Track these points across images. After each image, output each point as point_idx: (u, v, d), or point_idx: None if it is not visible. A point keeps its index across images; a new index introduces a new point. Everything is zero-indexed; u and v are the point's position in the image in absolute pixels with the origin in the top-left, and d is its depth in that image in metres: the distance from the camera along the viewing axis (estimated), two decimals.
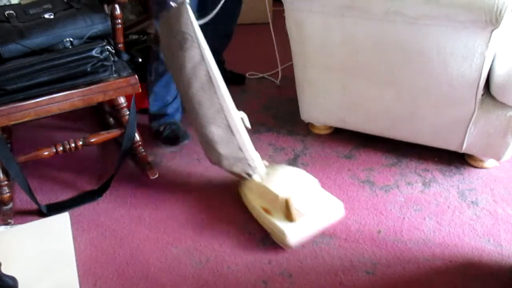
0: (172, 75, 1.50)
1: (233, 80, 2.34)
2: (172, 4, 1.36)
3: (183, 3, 1.32)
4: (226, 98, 1.42)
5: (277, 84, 2.42)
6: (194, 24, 1.32)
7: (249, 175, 1.52)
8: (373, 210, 1.57)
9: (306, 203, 1.44)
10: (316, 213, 1.45)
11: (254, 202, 1.51)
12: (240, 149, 1.46)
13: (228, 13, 1.88)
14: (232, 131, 1.43)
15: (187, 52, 1.34)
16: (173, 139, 1.89)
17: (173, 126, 1.92)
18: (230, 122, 1.42)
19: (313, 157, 1.85)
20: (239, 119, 1.46)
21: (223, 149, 1.46)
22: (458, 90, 1.51)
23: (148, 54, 1.86)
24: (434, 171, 1.74)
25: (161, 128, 1.92)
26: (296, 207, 1.40)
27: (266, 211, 1.46)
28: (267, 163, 1.60)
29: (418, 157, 1.80)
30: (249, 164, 1.49)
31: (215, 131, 1.43)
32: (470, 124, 1.59)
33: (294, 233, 1.39)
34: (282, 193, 1.43)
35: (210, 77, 1.37)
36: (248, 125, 1.49)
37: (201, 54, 1.34)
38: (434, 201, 1.60)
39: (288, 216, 1.40)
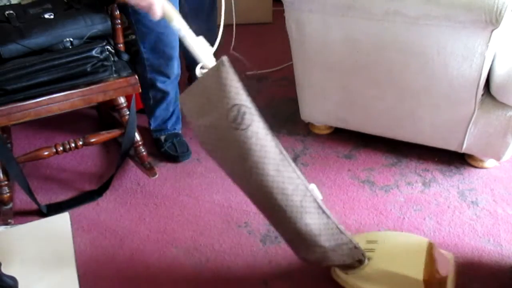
0: (222, 166, 1.08)
1: None
2: (199, 71, 1.00)
3: (223, 64, 0.93)
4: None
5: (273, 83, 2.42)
6: (244, 89, 0.95)
7: (361, 262, 1.18)
8: (373, 210, 1.57)
9: (436, 270, 1.17)
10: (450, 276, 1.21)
11: None
12: (341, 232, 1.10)
13: (203, 12, 1.84)
14: (325, 213, 1.07)
15: (248, 130, 0.96)
16: (173, 156, 1.85)
17: (175, 139, 1.89)
18: (319, 202, 1.06)
19: (313, 157, 1.85)
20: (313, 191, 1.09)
21: (325, 240, 1.08)
22: (458, 90, 1.51)
23: (142, 81, 1.73)
24: (434, 171, 1.74)
25: (163, 139, 1.89)
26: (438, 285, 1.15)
27: None
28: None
29: (418, 157, 1.80)
30: (356, 247, 1.13)
31: (311, 221, 1.05)
32: (470, 124, 1.59)
33: None
34: (415, 273, 1.12)
35: (281, 151, 1.00)
36: (320, 196, 1.11)
37: (264, 126, 0.98)
38: (434, 201, 1.60)
39: None
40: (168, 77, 1.74)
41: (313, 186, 1.09)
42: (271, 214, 1.10)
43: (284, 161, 1.00)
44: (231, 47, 2.27)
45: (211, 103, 0.96)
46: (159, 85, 1.74)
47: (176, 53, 1.68)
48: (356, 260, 1.16)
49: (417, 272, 1.12)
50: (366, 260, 1.18)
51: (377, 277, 1.17)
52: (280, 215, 1.04)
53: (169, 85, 1.77)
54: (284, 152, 1.02)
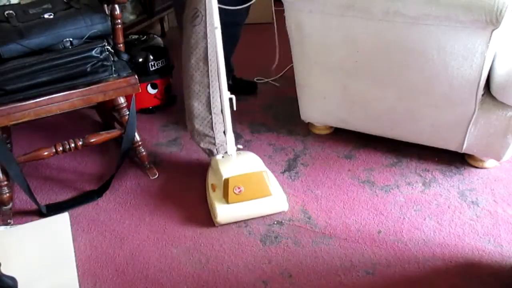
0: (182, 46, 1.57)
1: (244, 88, 2.29)
2: None
3: None
4: (219, 79, 1.52)
5: (277, 85, 2.42)
6: (208, 4, 1.39)
7: (211, 153, 1.62)
8: (373, 210, 1.57)
9: (246, 187, 1.50)
10: (254, 200, 1.51)
11: (209, 178, 1.63)
12: (212, 128, 1.58)
13: (237, 13, 1.89)
14: (210, 110, 1.56)
15: (194, 27, 1.43)
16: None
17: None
18: (212, 101, 1.54)
19: (313, 157, 1.85)
20: (226, 100, 1.56)
21: (197, 124, 1.58)
22: (458, 90, 1.51)
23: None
24: (434, 171, 1.74)
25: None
26: (234, 189, 1.48)
27: (213, 187, 1.56)
28: (241, 147, 1.71)
29: (418, 157, 1.80)
30: (214, 143, 1.61)
31: (196, 106, 1.55)
32: (470, 124, 1.59)
33: (224, 213, 1.49)
34: (227, 174, 1.51)
35: (207, 55, 1.46)
36: (234, 107, 1.57)
37: (205, 32, 1.43)
38: (434, 201, 1.60)
39: (225, 195, 1.49)
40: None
41: (231, 96, 1.56)
42: (183, 89, 1.59)
43: (205, 60, 1.48)
44: None
45: (190, 3, 1.44)
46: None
47: None
48: (209, 150, 1.62)
49: (228, 173, 1.52)
50: (219, 156, 1.62)
51: (213, 168, 1.63)
52: (185, 91, 1.57)
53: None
54: (214, 59, 1.47)
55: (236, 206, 1.50)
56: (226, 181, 1.49)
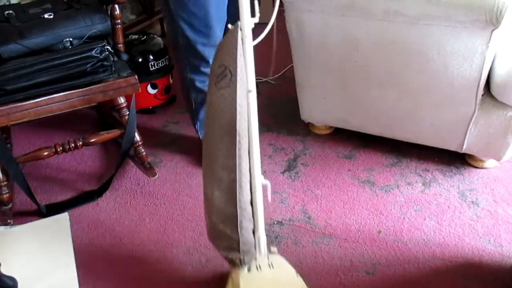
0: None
1: None
2: (229, 26, 1.06)
3: (235, 28, 1.02)
4: (251, 160, 1.10)
5: (273, 83, 2.42)
6: (239, 60, 1.01)
7: (233, 263, 1.19)
8: (373, 210, 1.57)
9: None
10: None
11: None
12: (236, 227, 1.13)
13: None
14: (235, 202, 1.10)
15: (221, 90, 1.04)
16: None
17: None
18: (239, 190, 1.09)
19: (313, 157, 1.85)
20: (259, 188, 1.14)
21: (217, 220, 1.15)
22: (458, 90, 1.51)
23: (182, 82, 1.72)
24: (434, 171, 1.74)
25: None
26: None
27: None
28: (274, 249, 1.27)
29: (418, 157, 1.80)
30: (237, 249, 1.16)
31: (217, 196, 1.11)
32: (471, 124, 1.59)
33: None
34: None
35: (235, 126, 1.04)
36: (269, 197, 1.18)
37: (234, 98, 1.03)
38: (434, 201, 1.60)
39: None
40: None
41: (266, 183, 1.14)
42: (202, 166, 1.15)
43: (232, 133, 1.04)
44: None
45: (217, 56, 1.06)
46: (198, 84, 1.66)
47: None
48: (229, 259, 1.19)
49: None
50: (244, 269, 1.19)
51: (234, 285, 1.19)
52: (203, 171, 1.13)
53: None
54: (246, 133, 1.06)
55: None
56: None
